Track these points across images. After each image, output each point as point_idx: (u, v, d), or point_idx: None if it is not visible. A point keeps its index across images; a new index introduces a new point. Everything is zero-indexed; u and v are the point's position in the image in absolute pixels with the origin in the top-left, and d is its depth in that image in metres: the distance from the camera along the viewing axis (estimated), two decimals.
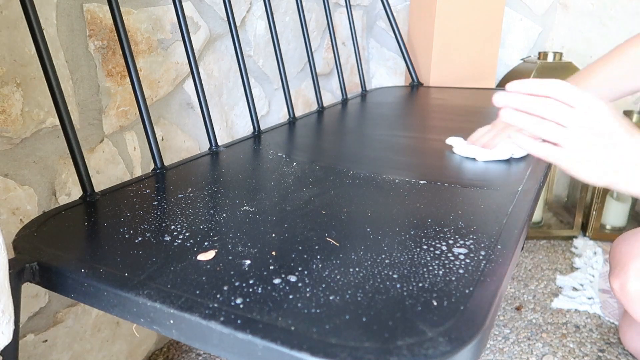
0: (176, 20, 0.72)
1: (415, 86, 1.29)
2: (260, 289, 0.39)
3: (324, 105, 1.07)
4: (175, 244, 0.47)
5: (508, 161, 0.68)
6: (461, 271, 0.41)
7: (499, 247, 0.45)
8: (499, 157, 0.68)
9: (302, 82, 1.30)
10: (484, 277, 0.40)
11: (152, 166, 0.68)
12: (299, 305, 0.37)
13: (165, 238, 0.48)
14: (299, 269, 0.42)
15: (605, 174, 0.47)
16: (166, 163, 0.69)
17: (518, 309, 1.13)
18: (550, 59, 1.38)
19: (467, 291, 0.38)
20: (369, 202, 0.56)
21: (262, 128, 0.88)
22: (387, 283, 0.39)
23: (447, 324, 0.34)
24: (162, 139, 0.89)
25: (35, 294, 0.71)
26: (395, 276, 0.40)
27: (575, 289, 1.20)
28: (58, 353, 0.76)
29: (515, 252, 0.45)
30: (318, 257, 0.44)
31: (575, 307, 1.13)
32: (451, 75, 1.38)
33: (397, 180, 0.62)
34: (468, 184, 0.61)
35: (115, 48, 0.77)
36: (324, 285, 0.39)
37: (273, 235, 0.49)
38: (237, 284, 0.40)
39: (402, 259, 0.43)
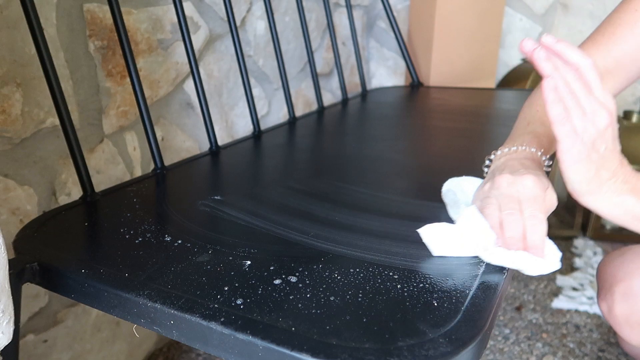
0: (176, 20, 0.71)
1: (415, 86, 1.29)
2: (260, 289, 0.39)
3: (324, 105, 1.07)
4: (176, 244, 0.47)
5: None
6: (462, 271, 0.41)
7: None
8: (551, 267, 0.43)
9: (302, 82, 1.30)
10: (484, 277, 0.40)
11: (152, 166, 0.68)
12: (300, 305, 0.37)
13: (166, 238, 0.48)
14: (300, 269, 0.42)
15: (585, 180, 0.44)
16: (166, 163, 0.69)
17: (518, 309, 1.13)
18: None
19: (467, 292, 0.38)
20: (369, 202, 0.56)
21: (262, 128, 0.88)
22: (388, 284, 0.39)
23: (448, 324, 0.34)
24: (162, 139, 0.89)
25: (35, 294, 0.71)
26: (395, 277, 0.40)
27: (575, 289, 1.20)
28: (58, 353, 0.76)
29: None
30: (318, 257, 0.44)
31: (575, 307, 1.13)
32: (451, 75, 1.38)
33: (397, 179, 0.62)
34: None
35: (115, 48, 0.77)
36: (324, 286, 0.39)
37: (274, 235, 0.49)
38: (237, 284, 0.40)
39: (402, 259, 0.43)
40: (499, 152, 0.54)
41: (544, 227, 0.43)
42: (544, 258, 0.42)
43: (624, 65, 0.57)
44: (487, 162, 0.55)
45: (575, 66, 0.43)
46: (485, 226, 0.44)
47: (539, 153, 0.52)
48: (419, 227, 0.50)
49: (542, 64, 0.42)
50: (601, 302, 0.67)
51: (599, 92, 0.43)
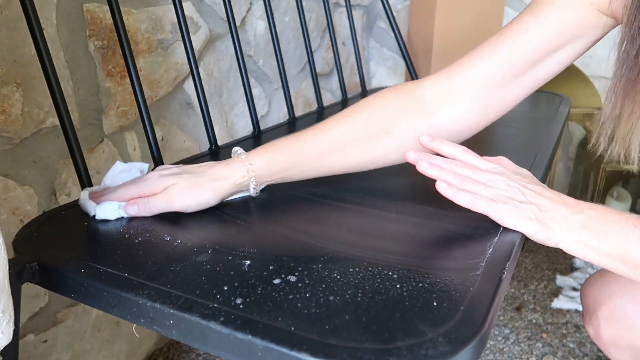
0: (176, 20, 0.72)
1: None
2: (260, 289, 0.39)
3: (324, 105, 1.07)
4: (175, 244, 0.47)
5: None
6: (461, 271, 0.41)
7: (499, 246, 0.45)
8: (109, 215, 0.52)
9: (302, 82, 1.30)
10: (484, 276, 0.40)
11: (152, 166, 0.68)
12: (299, 305, 0.37)
13: (165, 238, 0.48)
14: (299, 269, 0.42)
15: (529, 220, 0.47)
16: (166, 163, 0.69)
17: (518, 309, 1.13)
18: None
19: (466, 291, 0.38)
20: (369, 202, 0.56)
21: (262, 128, 0.88)
22: (387, 283, 0.39)
23: (447, 324, 0.34)
24: (162, 139, 0.89)
25: (35, 294, 0.71)
26: (395, 276, 0.40)
27: (575, 289, 1.20)
28: (58, 353, 0.76)
29: (515, 252, 0.45)
30: (318, 257, 0.44)
31: (575, 307, 1.13)
32: None
33: (397, 180, 0.62)
34: None
35: (115, 48, 0.77)
36: (323, 286, 0.39)
37: (273, 234, 0.49)
38: (236, 284, 0.40)
39: (401, 259, 0.43)
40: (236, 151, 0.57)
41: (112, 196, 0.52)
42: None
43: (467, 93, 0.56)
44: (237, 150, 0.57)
45: (453, 157, 0.51)
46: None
47: (243, 167, 0.54)
48: (419, 226, 0.50)
49: (428, 172, 0.49)
50: (587, 325, 0.66)
51: (483, 166, 0.50)
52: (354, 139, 0.55)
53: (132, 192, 0.52)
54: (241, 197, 0.57)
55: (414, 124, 0.56)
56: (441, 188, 0.48)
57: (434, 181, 0.54)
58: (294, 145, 0.55)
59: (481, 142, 0.78)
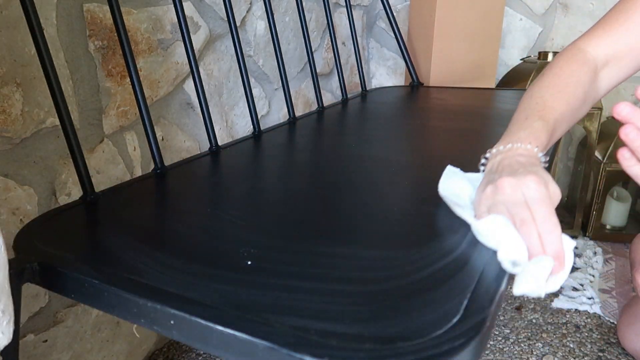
0: (176, 20, 0.72)
1: (415, 86, 1.29)
2: (260, 289, 0.39)
3: (324, 105, 1.07)
4: (176, 244, 0.47)
5: None
6: (462, 271, 0.41)
7: None
8: (568, 269, 0.43)
9: (302, 82, 1.30)
10: (484, 277, 0.40)
11: (152, 166, 0.68)
12: (300, 305, 0.37)
13: (166, 238, 0.48)
14: (300, 269, 0.42)
15: None
16: (166, 163, 0.69)
17: (518, 309, 1.13)
18: (550, 59, 1.38)
19: (467, 291, 0.38)
20: (369, 203, 0.56)
21: (262, 128, 0.88)
22: (387, 283, 0.39)
23: (448, 324, 0.34)
24: (162, 139, 0.89)
25: (35, 294, 0.71)
26: (395, 277, 0.40)
27: (575, 289, 1.20)
28: (58, 353, 0.76)
29: None
30: (319, 257, 0.44)
31: (575, 307, 1.13)
32: (451, 75, 1.38)
33: (398, 180, 0.62)
34: None
35: (115, 48, 0.77)
36: (324, 286, 0.39)
37: (274, 235, 0.49)
38: (237, 284, 0.40)
39: (401, 258, 0.43)
40: (494, 150, 0.52)
41: (559, 230, 0.40)
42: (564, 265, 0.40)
43: (633, 51, 0.59)
44: (482, 161, 0.54)
45: None
46: (517, 237, 0.41)
47: (535, 149, 0.50)
48: (420, 226, 0.50)
49: (635, 143, 0.44)
50: (638, 274, 0.69)
51: None
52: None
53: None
54: None
55: (593, 92, 0.61)
56: (623, 158, 0.46)
57: (435, 182, 0.55)
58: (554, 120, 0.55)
59: (481, 142, 0.78)
